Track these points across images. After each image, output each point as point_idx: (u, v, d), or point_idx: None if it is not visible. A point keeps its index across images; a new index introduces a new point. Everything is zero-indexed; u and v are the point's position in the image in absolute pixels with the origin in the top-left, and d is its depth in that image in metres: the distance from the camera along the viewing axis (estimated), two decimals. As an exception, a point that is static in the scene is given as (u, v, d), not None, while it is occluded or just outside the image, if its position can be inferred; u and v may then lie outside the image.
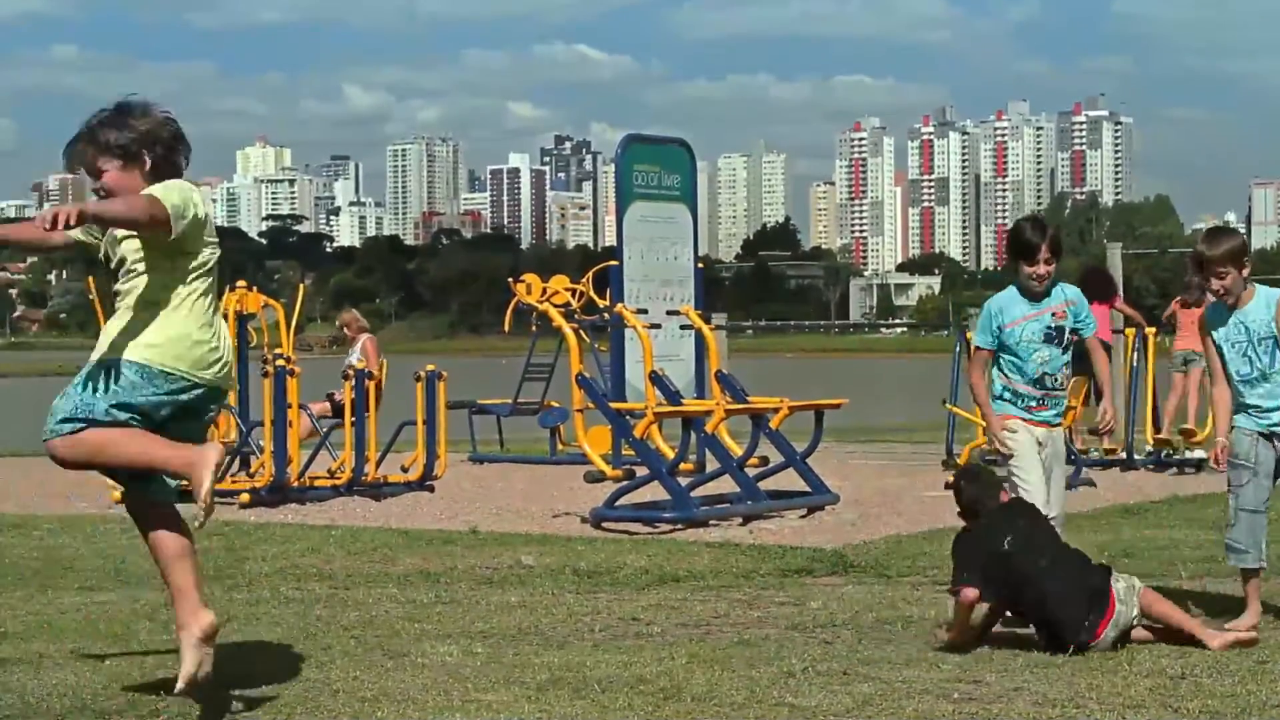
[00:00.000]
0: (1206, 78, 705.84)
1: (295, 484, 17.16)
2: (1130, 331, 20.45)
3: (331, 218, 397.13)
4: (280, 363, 17.00)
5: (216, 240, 7.44)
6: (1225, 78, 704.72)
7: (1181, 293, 21.91)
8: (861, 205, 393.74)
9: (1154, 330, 20.82)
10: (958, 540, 9.02)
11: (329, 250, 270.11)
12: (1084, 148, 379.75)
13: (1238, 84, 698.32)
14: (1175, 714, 7.27)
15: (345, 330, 20.61)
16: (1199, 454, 20.18)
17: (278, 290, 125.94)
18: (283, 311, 19.24)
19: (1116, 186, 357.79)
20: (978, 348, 9.80)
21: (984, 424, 9.71)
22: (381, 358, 19.63)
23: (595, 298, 20.86)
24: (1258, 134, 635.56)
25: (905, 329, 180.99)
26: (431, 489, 17.91)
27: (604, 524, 14.74)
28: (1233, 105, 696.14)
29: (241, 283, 18.99)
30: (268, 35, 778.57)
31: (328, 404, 19.70)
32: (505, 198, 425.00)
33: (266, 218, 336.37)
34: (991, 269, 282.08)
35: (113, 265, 7.35)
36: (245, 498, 16.70)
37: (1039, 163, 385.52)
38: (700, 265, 21.08)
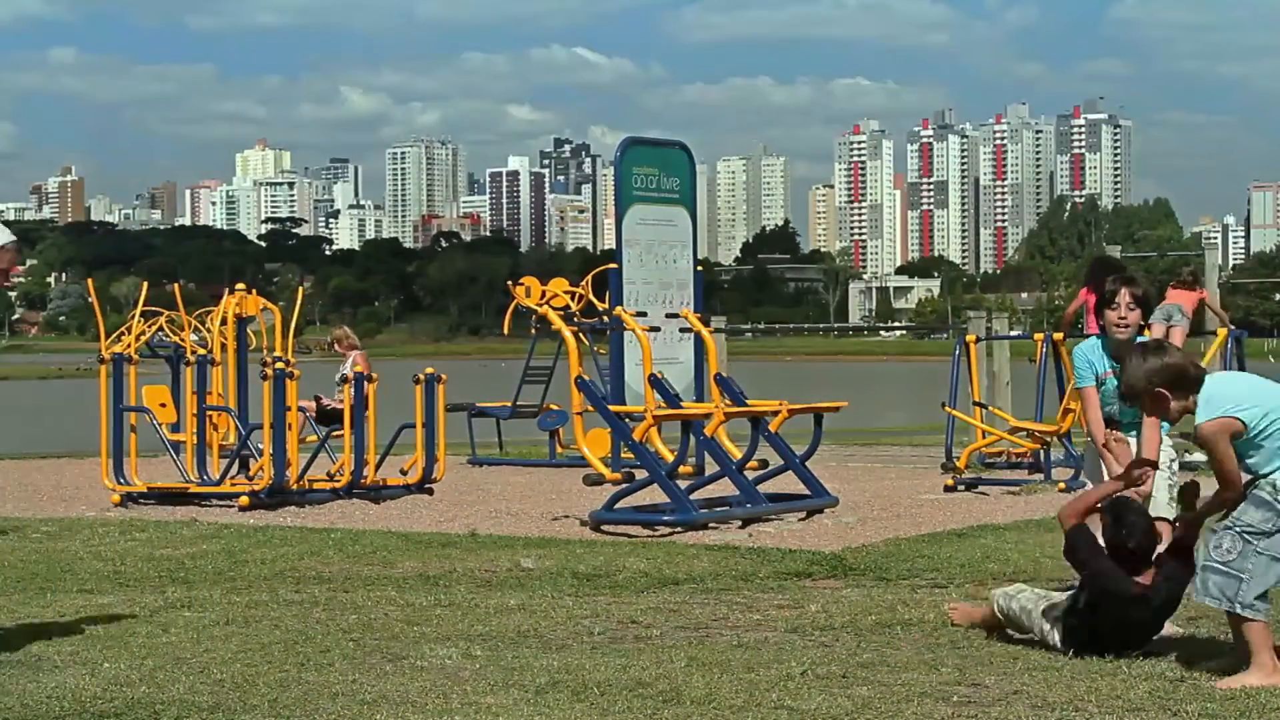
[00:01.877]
0: (1204, 81, 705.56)
1: (294, 487, 17.16)
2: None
3: (331, 220, 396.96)
4: (279, 365, 17.00)
5: None
6: (1223, 81, 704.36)
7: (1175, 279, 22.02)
8: (861, 208, 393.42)
9: (1149, 330, 20.79)
10: (1097, 579, 8.68)
11: (328, 253, 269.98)
12: (1083, 151, 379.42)
13: (1236, 87, 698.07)
14: (1174, 717, 7.27)
15: (336, 346, 20.59)
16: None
17: (277, 293, 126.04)
18: (279, 315, 19.23)
19: (1115, 190, 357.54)
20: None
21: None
22: (372, 373, 19.62)
23: (594, 300, 20.86)
24: (1256, 137, 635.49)
25: (904, 332, 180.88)
26: (430, 492, 17.90)
27: (603, 527, 14.74)
28: (1231, 108, 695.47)
29: (240, 285, 19.00)
30: (266, 38, 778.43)
31: (313, 404, 19.71)
32: (504, 200, 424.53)
33: (266, 220, 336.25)
34: (991, 271, 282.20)
35: None
36: (244, 500, 16.69)
37: (1038, 166, 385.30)
38: (699, 268, 21.08)
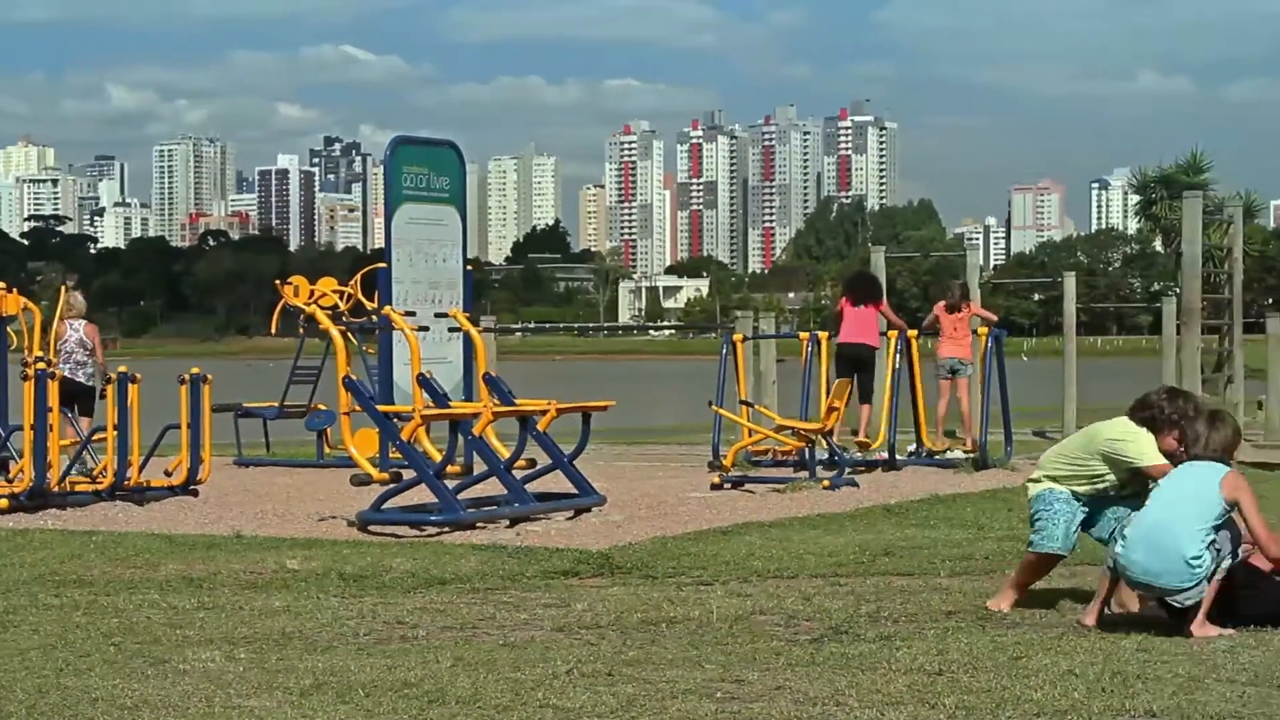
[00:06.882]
0: (963, 85, 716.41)
1: (55, 489, 16.86)
2: (893, 334, 20.80)
3: (96, 219, 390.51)
4: (40, 366, 16.69)
5: None
6: (980, 85, 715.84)
7: (943, 296, 22.35)
8: (631, 208, 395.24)
9: (915, 333, 21.21)
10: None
11: (93, 252, 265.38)
12: (850, 152, 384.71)
13: (992, 91, 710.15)
14: (932, 710, 7.41)
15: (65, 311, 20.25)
16: (959, 454, 20.59)
17: (39, 293, 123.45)
18: (40, 315, 18.87)
19: (881, 191, 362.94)
20: None
21: None
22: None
23: (363, 300, 20.74)
24: (1015, 140, 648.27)
25: (673, 331, 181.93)
26: (196, 493, 17.69)
27: (370, 527, 14.67)
28: (990, 111, 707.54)
29: (1, 284, 18.64)
30: (27, 34, 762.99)
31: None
32: (274, 199, 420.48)
33: (29, 218, 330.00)
34: (758, 271, 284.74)
35: None
36: (4, 503, 16.37)
37: (806, 166, 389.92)
38: (469, 268, 21.06)
